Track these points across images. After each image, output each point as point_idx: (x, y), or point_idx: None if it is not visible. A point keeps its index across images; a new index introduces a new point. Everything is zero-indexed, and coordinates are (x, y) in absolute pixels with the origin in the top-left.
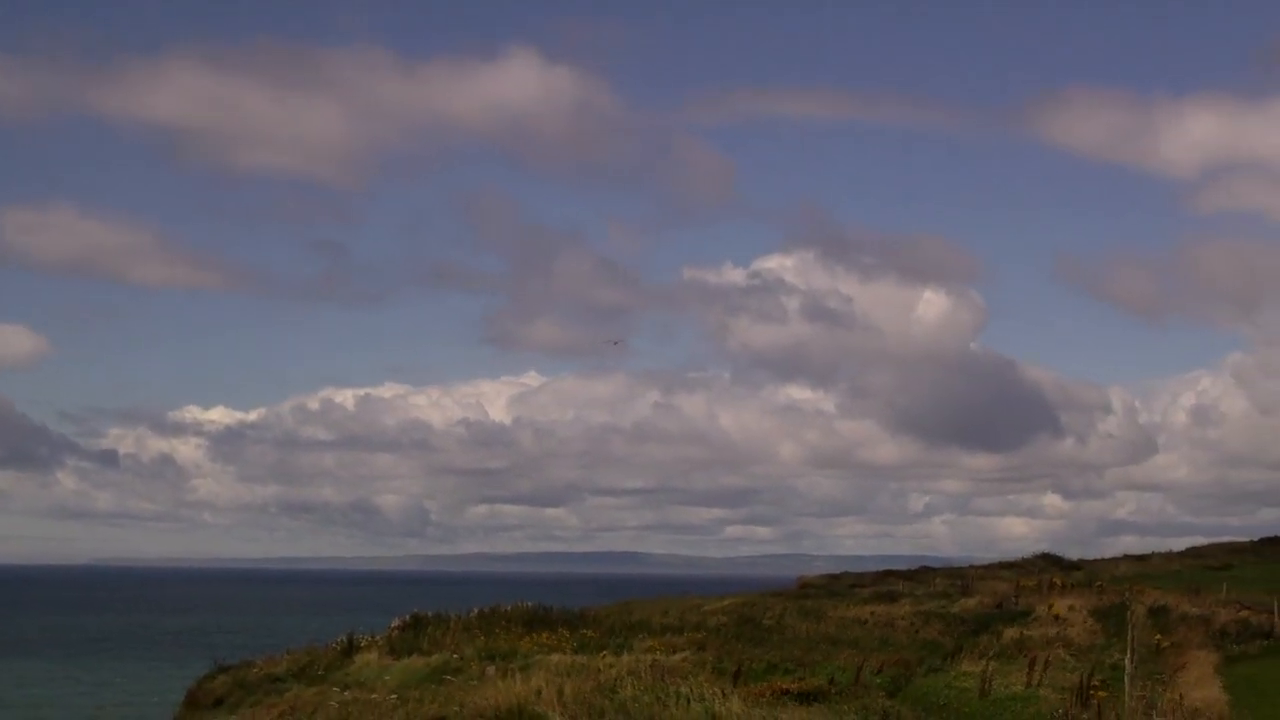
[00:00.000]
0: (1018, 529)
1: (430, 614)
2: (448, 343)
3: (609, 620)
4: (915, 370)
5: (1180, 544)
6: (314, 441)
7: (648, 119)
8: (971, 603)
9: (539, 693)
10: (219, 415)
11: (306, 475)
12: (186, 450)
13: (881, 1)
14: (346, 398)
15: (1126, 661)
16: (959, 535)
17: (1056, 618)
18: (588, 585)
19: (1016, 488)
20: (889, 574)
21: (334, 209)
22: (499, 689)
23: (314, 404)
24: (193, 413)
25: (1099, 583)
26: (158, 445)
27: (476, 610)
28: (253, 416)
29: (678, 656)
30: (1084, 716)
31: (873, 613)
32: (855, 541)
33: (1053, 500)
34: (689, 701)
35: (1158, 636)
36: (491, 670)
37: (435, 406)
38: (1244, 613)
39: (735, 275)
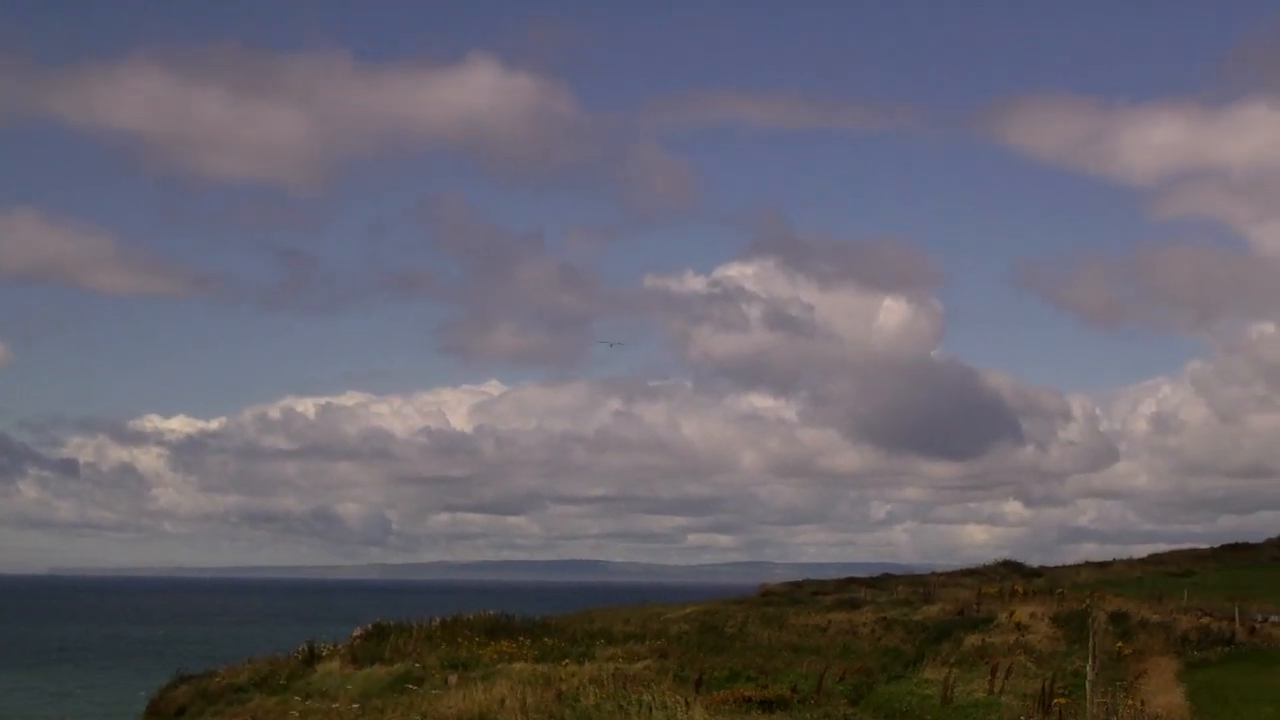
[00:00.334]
0: (979, 536)
1: (392, 623)
2: (409, 351)
3: (571, 629)
4: (876, 378)
5: (1141, 551)
6: (275, 450)
7: (607, 124)
8: (933, 610)
9: (501, 701)
10: (180, 424)
11: (268, 484)
12: (147, 459)
13: (842, 7)
14: (308, 406)
15: (1088, 668)
16: (921, 543)
17: (1018, 625)
18: (550, 594)
19: (978, 495)
20: (851, 582)
21: (295, 215)
22: (461, 698)
23: (275, 413)
24: (153, 422)
25: (1060, 590)
26: (118, 454)
27: (438, 619)
28: (214, 425)
29: (640, 665)
30: None
31: (834, 620)
32: (817, 549)
33: (1014, 508)
34: (651, 710)
35: (1119, 643)
36: (454, 679)
37: (397, 415)
38: (1205, 619)
39: (696, 283)
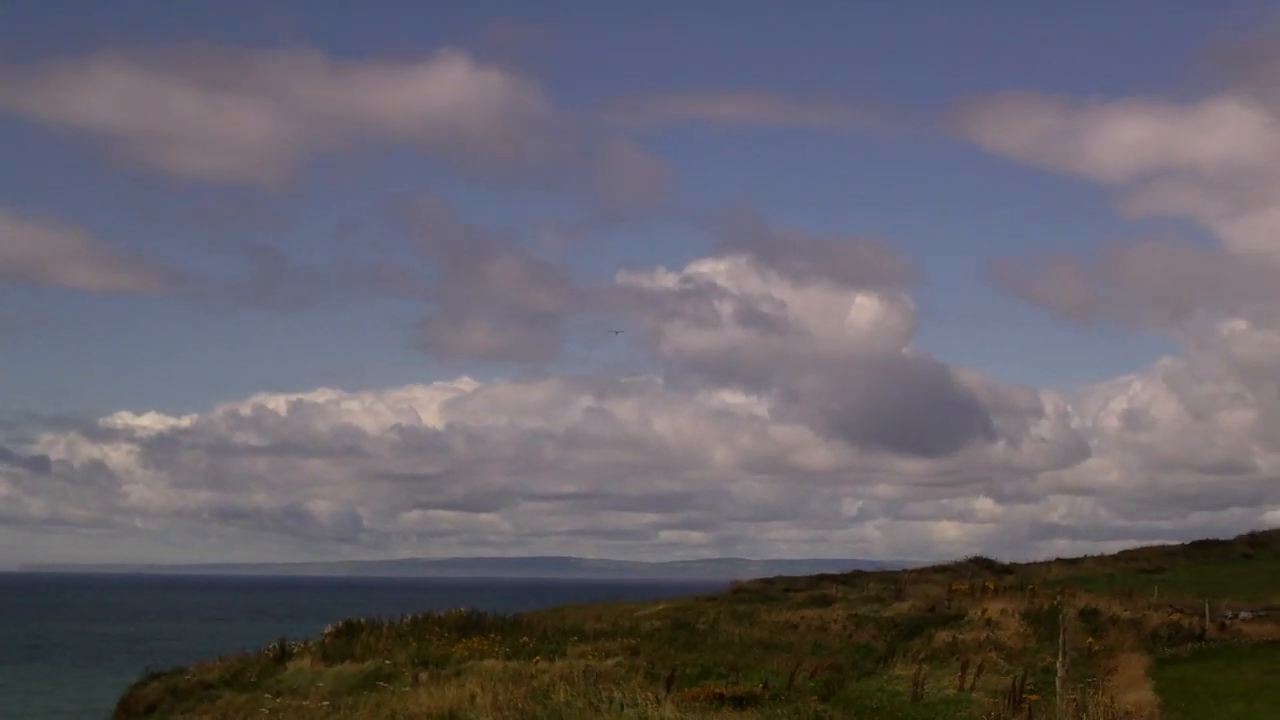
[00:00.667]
0: (950, 533)
1: (363, 620)
2: (381, 348)
3: (542, 626)
4: (848, 375)
5: (1112, 547)
6: (246, 447)
7: (578, 121)
8: (904, 606)
9: (472, 698)
10: (151, 421)
11: (239, 481)
12: (118, 456)
13: (812, 5)
14: (279, 403)
15: (1058, 665)
16: (892, 539)
17: (989, 621)
18: (521, 591)
19: (949, 492)
20: (822, 578)
21: (265, 212)
22: (432, 695)
23: (246, 409)
24: (125, 419)
25: (1031, 586)
26: (89, 451)
27: (409, 616)
28: (185, 422)
29: (611, 662)
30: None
31: (805, 617)
32: (789, 546)
33: (985, 504)
34: (622, 707)
35: (1089, 640)
36: (425, 676)
37: (368, 412)
38: (1175, 616)
39: (668, 280)
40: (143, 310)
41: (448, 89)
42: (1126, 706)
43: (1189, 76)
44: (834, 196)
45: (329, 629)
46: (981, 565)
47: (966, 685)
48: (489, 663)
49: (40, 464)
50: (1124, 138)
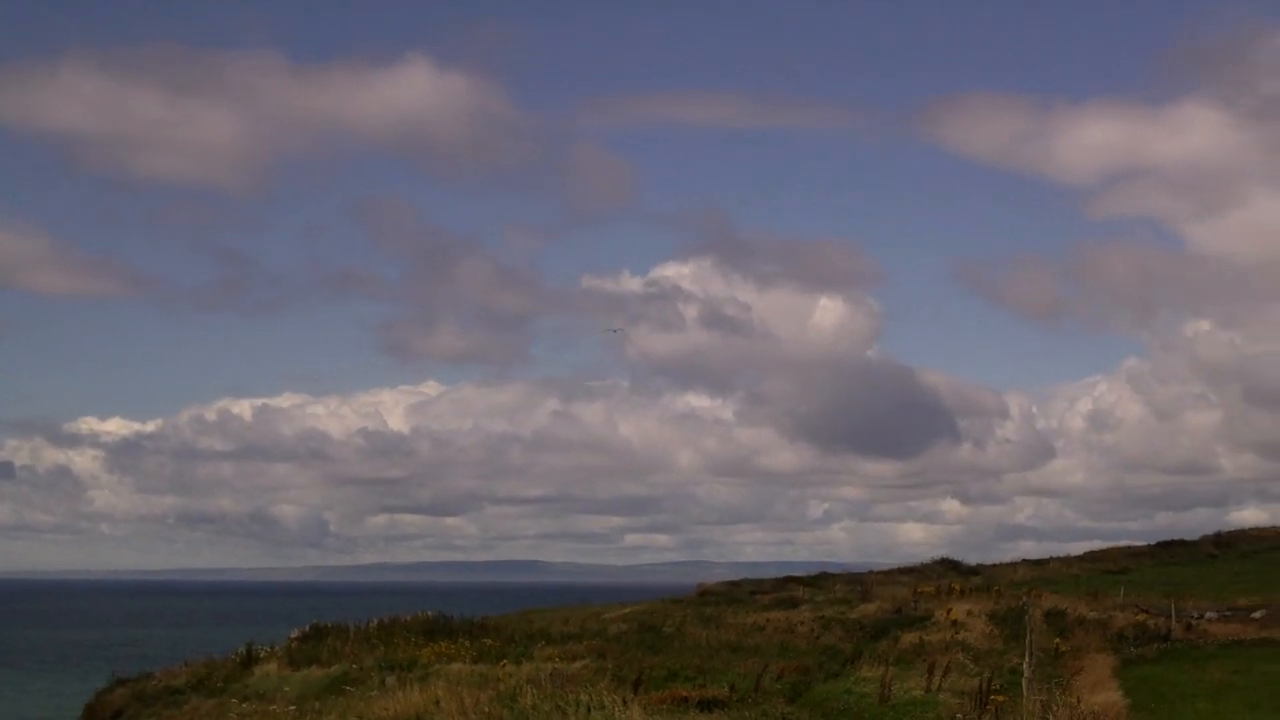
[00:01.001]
0: (916, 534)
1: (330, 624)
2: (346, 351)
3: (509, 629)
4: (813, 377)
5: (1078, 548)
6: (212, 452)
7: (544, 124)
8: (871, 608)
9: (438, 702)
10: (116, 426)
11: (204, 486)
12: (83, 461)
13: (779, 6)
14: (244, 408)
15: (1024, 665)
16: (858, 541)
17: (955, 623)
18: (488, 594)
19: (915, 494)
20: (789, 580)
21: (232, 216)
22: (398, 699)
23: (211, 414)
24: (89, 424)
25: (997, 587)
26: (54, 456)
27: (376, 620)
28: (150, 427)
29: (578, 665)
30: None
31: (772, 619)
32: (755, 548)
33: (951, 506)
34: (589, 710)
35: (1056, 640)
36: (391, 680)
37: (334, 416)
38: (1141, 616)
39: (633, 283)
40: (108, 314)
41: (414, 92)
42: (1093, 707)
43: (1156, 78)
44: (800, 198)
45: (295, 633)
46: (948, 567)
47: (933, 686)
48: (456, 666)
49: (4, 469)
50: (1091, 139)
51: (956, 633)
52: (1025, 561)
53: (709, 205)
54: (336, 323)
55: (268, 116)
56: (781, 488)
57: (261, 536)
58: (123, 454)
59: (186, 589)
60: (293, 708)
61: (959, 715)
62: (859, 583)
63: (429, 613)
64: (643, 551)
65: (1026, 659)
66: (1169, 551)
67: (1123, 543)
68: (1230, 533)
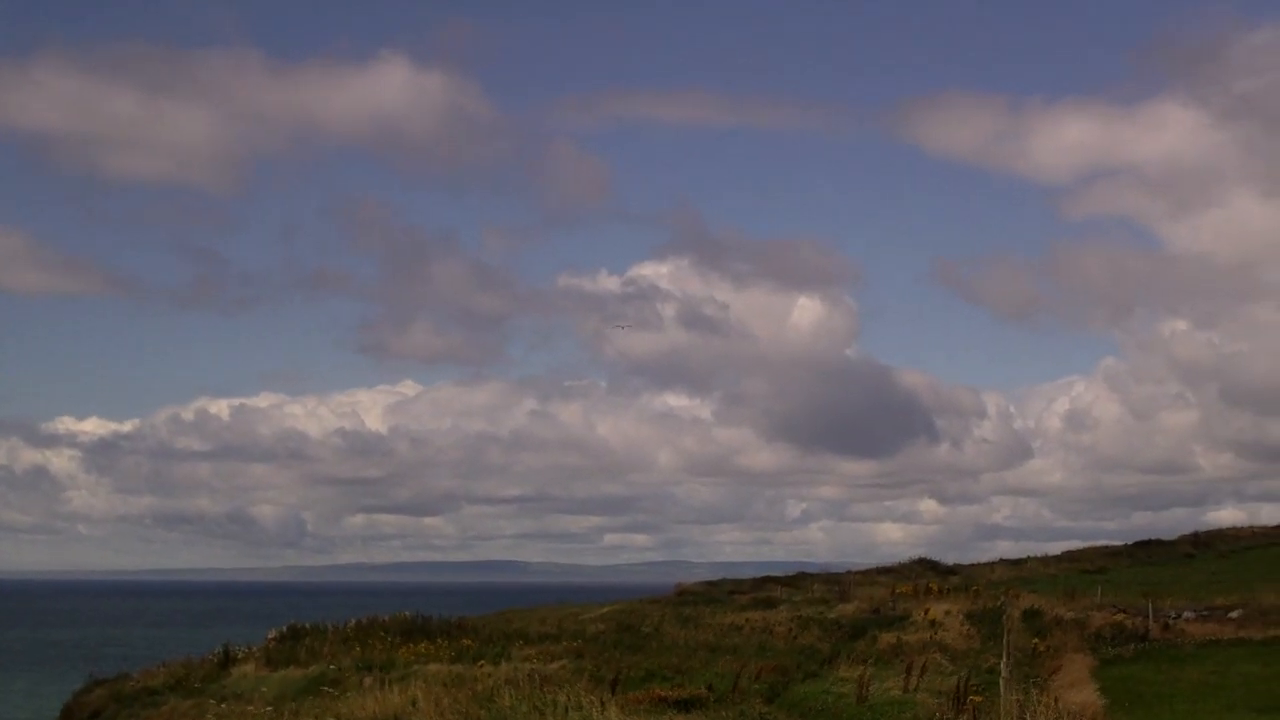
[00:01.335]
0: (894, 534)
1: (307, 625)
2: (324, 351)
3: (487, 630)
4: (791, 377)
5: (1056, 548)
6: (189, 452)
7: (520, 122)
8: (849, 608)
9: (415, 703)
10: (93, 426)
11: (182, 486)
12: (60, 462)
13: (755, 4)
14: (221, 408)
15: (1002, 665)
16: (836, 541)
17: (933, 623)
18: (466, 595)
19: (893, 493)
20: (767, 580)
21: (207, 215)
22: (376, 699)
23: (189, 414)
24: (66, 423)
25: (975, 587)
26: (31, 457)
27: (354, 621)
28: (127, 427)
29: (555, 665)
30: None
31: (750, 619)
32: (734, 548)
33: (929, 505)
34: (566, 710)
35: (1033, 640)
36: (369, 681)
37: (311, 416)
38: (1119, 616)
39: (610, 283)
40: (84, 313)
41: (390, 90)
42: (1071, 706)
43: (1131, 77)
44: (777, 197)
45: (273, 634)
46: (925, 566)
47: (911, 686)
48: (433, 667)
49: None
50: (1067, 138)
51: (934, 633)
52: (1003, 561)
53: (686, 204)
54: (314, 322)
55: (243, 115)
56: (760, 487)
57: (239, 537)
58: (100, 454)
59: (164, 589)
60: (270, 708)
61: (936, 715)
62: (837, 583)
63: (407, 613)
64: (621, 551)
65: (1004, 659)
66: (1146, 551)
67: (1100, 542)
68: (1208, 532)
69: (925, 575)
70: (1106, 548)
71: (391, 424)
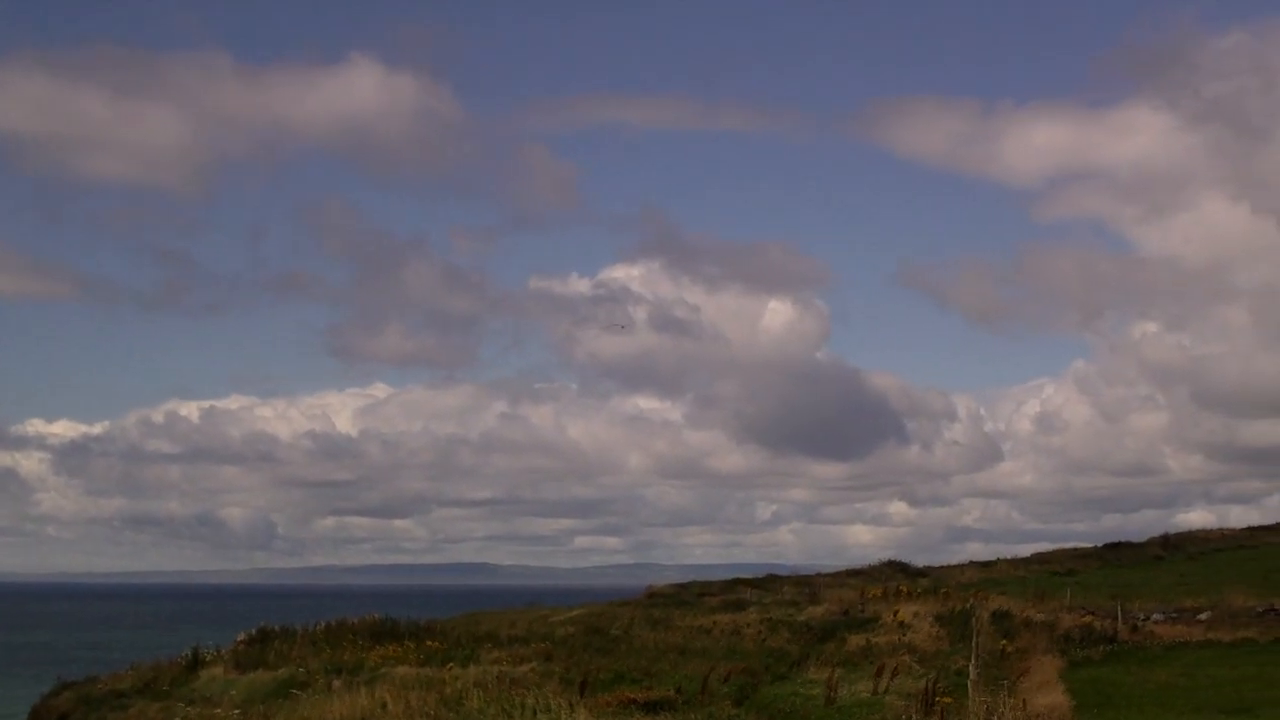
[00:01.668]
0: (865, 536)
1: (277, 628)
2: (293, 354)
3: (456, 632)
4: (762, 379)
5: (1026, 550)
6: (159, 454)
7: (491, 126)
8: (818, 610)
9: (384, 706)
10: (63, 428)
11: (152, 488)
12: (30, 464)
13: (725, 8)
14: (191, 410)
15: (971, 667)
16: (806, 543)
17: (902, 624)
18: (436, 597)
19: (863, 496)
20: (737, 582)
21: (176, 217)
22: (345, 702)
23: (158, 416)
24: (36, 426)
25: (944, 589)
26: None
27: (323, 623)
28: (97, 429)
29: (524, 668)
30: None
31: (719, 622)
32: (704, 550)
33: (899, 508)
34: (535, 713)
35: (1002, 642)
36: (338, 684)
37: (281, 418)
38: (1088, 618)
39: (581, 285)
40: (53, 316)
41: (359, 92)
42: (1039, 709)
43: (1100, 81)
44: (748, 200)
45: (242, 636)
46: (895, 568)
47: (880, 689)
48: (402, 669)
49: None
50: (1036, 142)
51: (903, 635)
52: (973, 563)
53: (657, 207)
54: (283, 325)
55: (211, 117)
56: (730, 490)
57: (209, 539)
58: (70, 456)
59: (134, 591)
60: (238, 711)
61: (905, 717)
62: (807, 585)
63: (376, 615)
64: (591, 554)
65: (973, 661)
66: (1116, 553)
67: (1070, 545)
68: (1177, 534)
69: (895, 577)
70: (1076, 550)
71: (362, 427)
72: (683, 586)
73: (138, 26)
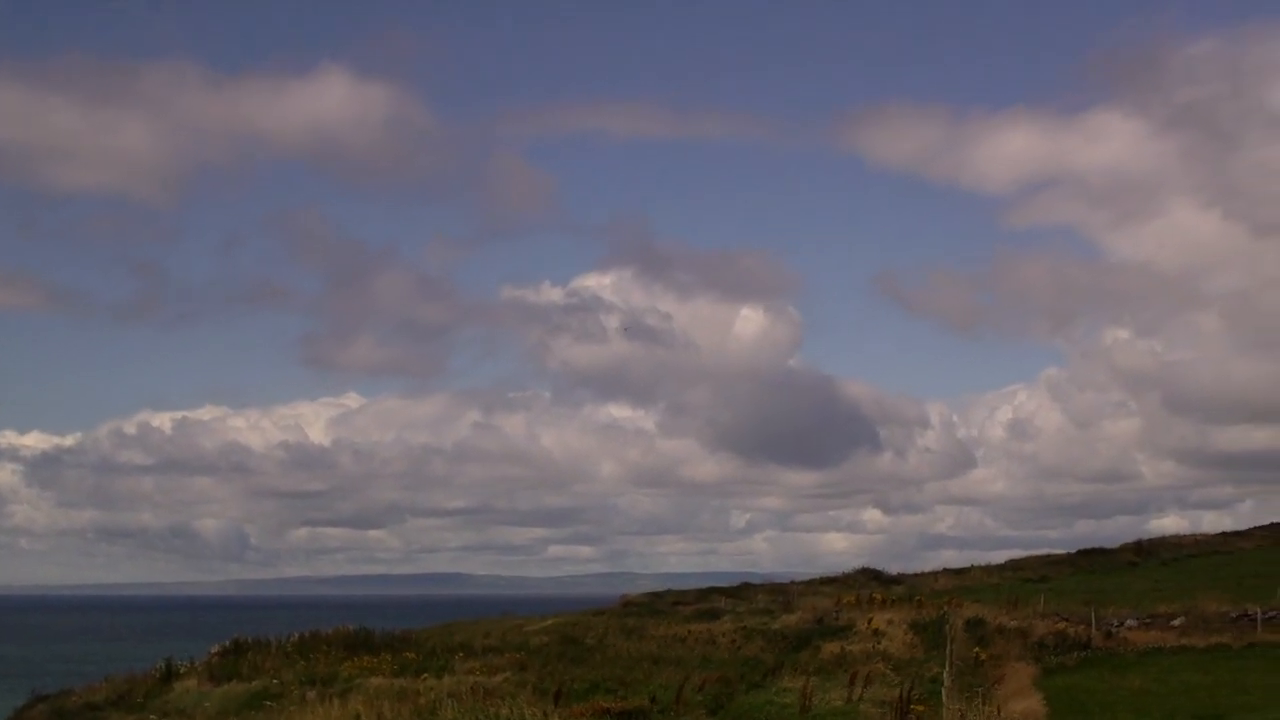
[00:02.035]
0: (838, 544)
1: (251, 639)
2: (266, 364)
3: (430, 642)
4: (735, 387)
5: (999, 557)
6: (132, 466)
7: (463, 133)
8: (793, 619)
9: (357, 717)
10: (35, 440)
11: (125, 500)
12: (2, 475)
13: (699, 15)
14: (164, 421)
15: (945, 675)
16: (780, 551)
17: (876, 632)
18: (411, 608)
19: (837, 503)
20: (711, 591)
21: (148, 227)
22: (318, 714)
23: (131, 427)
24: (8, 438)
25: (918, 597)
26: None
27: (297, 635)
28: (69, 441)
29: (499, 678)
30: None
31: (694, 631)
32: (678, 559)
33: (873, 515)
34: None
35: (976, 649)
36: (312, 695)
37: (254, 429)
38: (1061, 625)
39: (554, 294)
40: (24, 327)
41: (331, 101)
42: (1013, 716)
43: (1071, 87)
44: (720, 208)
45: (216, 649)
46: (869, 576)
47: (854, 697)
48: (376, 680)
49: None
50: (1008, 149)
51: (878, 642)
52: (946, 570)
53: (629, 215)
54: (256, 335)
55: (183, 127)
56: (704, 498)
57: (182, 550)
58: (42, 468)
59: (107, 604)
60: None
61: None
62: (781, 593)
63: (350, 626)
64: (565, 563)
65: (947, 668)
66: (1089, 560)
67: (1043, 551)
68: (1150, 540)
69: (869, 585)
70: (1049, 556)
71: (335, 437)
72: (657, 595)
73: (110, 36)
